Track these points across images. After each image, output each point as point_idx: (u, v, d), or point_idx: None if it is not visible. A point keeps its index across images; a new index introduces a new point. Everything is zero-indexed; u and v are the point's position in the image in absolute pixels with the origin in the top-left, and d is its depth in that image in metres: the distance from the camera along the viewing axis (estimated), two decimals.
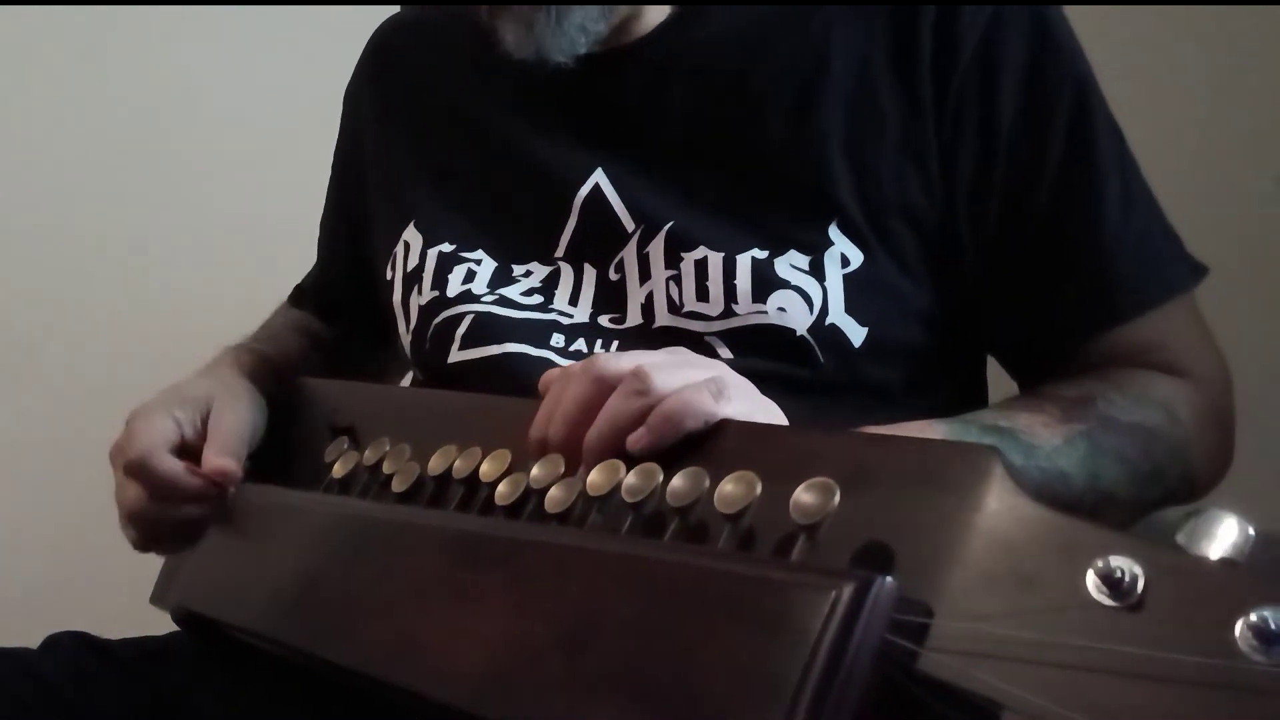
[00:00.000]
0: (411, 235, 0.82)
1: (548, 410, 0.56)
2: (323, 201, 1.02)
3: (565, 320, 0.75)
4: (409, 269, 0.81)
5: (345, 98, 0.96)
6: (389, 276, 0.83)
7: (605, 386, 0.53)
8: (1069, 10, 0.73)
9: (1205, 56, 1.31)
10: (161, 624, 0.76)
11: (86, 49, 1.52)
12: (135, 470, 0.71)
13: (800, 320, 0.69)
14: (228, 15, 1.59)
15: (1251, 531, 0.36)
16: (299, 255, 1.07)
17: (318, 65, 1.25)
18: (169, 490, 0.71)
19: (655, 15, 0.77)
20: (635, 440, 0.51)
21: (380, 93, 0.91)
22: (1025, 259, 0.71)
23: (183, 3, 1.56)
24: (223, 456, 0.71)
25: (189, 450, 0.73)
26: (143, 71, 1.55)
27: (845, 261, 0.70)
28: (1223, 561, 0.35)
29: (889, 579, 0.36)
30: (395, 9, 0.96)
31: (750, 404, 0.53)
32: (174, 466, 0.71)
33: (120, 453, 0.74)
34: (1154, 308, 0.70)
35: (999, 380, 0.81)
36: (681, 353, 0.59)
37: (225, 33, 1.59)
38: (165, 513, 0.71)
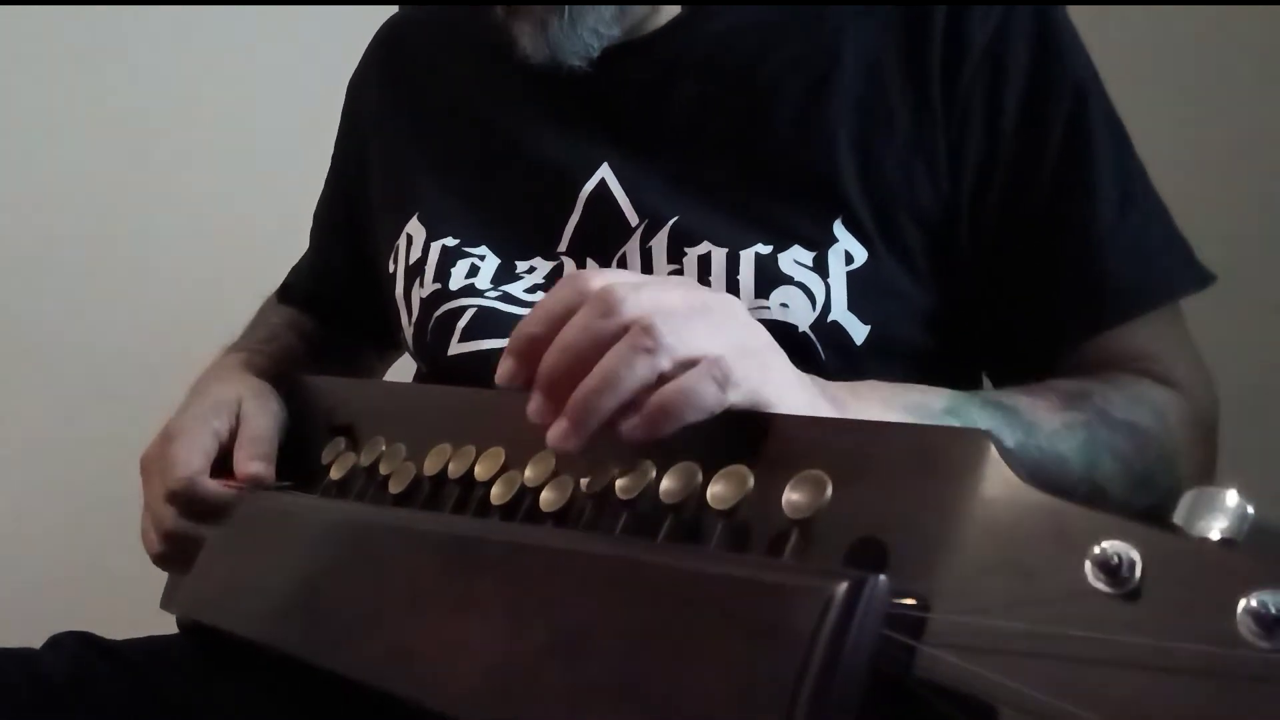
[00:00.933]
0: (414, 228, 0.82)
1: (549, 310, 0.50)
2: None
3: None
4: (411, 262, 0.80)
5: (349, 88, 0.96)
6: (390, 269, 0.83)
7: (615, 328, 0.48)
8: (1070, 10, 0.73)
9: (1205, 57, 1.31)
10: (164, 624, 0.76)
11: (86, 49, 1.52)
12: (179, 498, 0.71)
13: (802, 316, 0.68)
14: (227, 15, 1.58)
15: (1250, 510, 0.35)
16: (298, 256, 1.07)
17: (319, 66, 1.24)
18: (212, 512, 0.71)
19: (667, 13, 0.77)
20: (629, 429, 0.47)
21: (386, 85, 0.90)
22: (1018, 261, 0.71)
23: (182, 2, 1.54)
24: (254, 461, 0.72)
25: (224, 454, 0.74)
26: (144, 71, 1.55)
27: (849, 259, 0.69)
28: (1221, 542, 0.34)
29: (881, 578, 0.35)
30: (396, 8, 0.96)
31: (753, 383, 0.49)
32: (216, 489, 0.71)
33: (157, 469, 0.74)
34: (1142, 314, 0.69)
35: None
36: (700, 293, 0.52)
37: (225, 32, 1.59)
38: (199, 532, 0.71)
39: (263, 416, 0.76)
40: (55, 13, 1.48)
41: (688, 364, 0.47)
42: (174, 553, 0.74)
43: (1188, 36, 1.32)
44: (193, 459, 0.72)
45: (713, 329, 0.49)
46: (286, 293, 1.02)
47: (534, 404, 0.50)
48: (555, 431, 0.48)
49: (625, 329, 0.48)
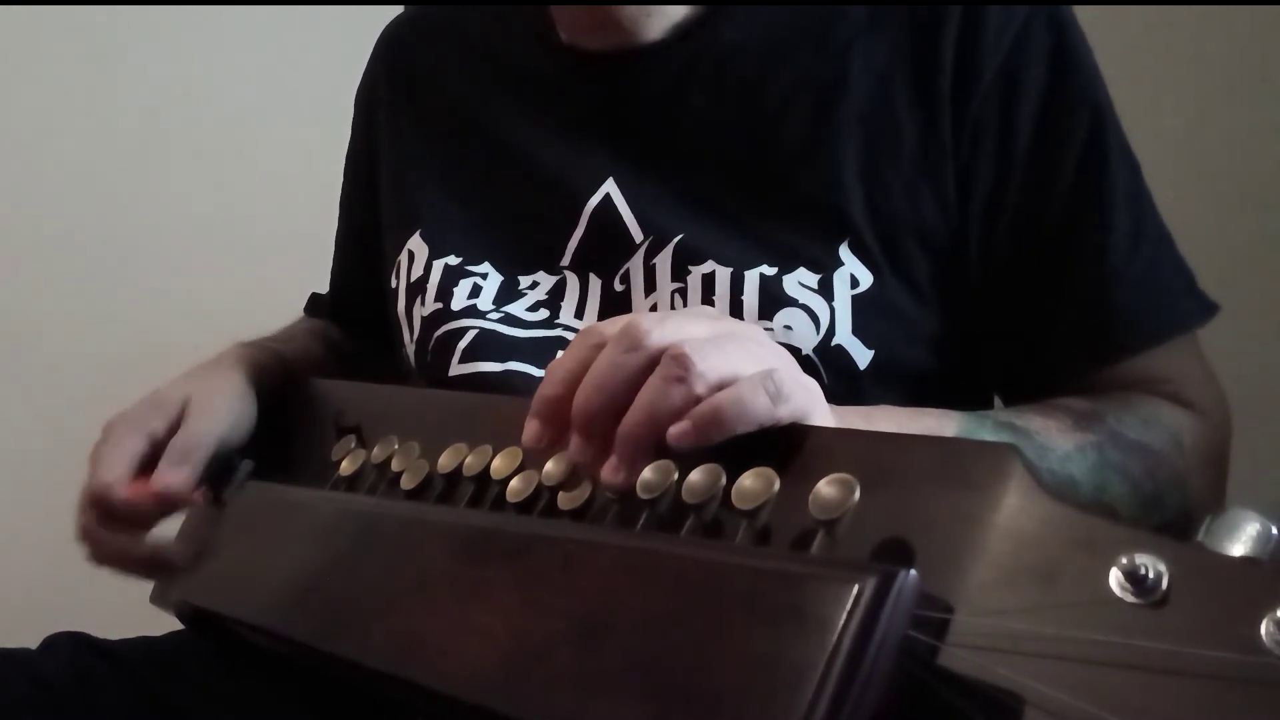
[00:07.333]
0: (416, 244, 0.81)
1: (569, 367, 0.50)
2: (324, 203, 1.02)
3: (570, 336, 0.74)
4: (412, 279, 0.80)
5: (356, 100, 0.96)
6: (393, 284, 0.83)
7: (644, 360, 0.48)
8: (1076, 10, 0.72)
9: (1205, 56, 1.32)
10: (161, 624, 0.75)
11: (87, 49, 1.52)
12: (96, 501, 0.70)
13: (806, 339, 0.68)
14: (230, 15, 1.59)
15: (1275, 531, 0.36)
16: (298, 258, 1.07)
17: (322, 65, 1.25)
18: (126, 520, 0.70)
19: (674, 14, 0.76)
20: (678, 435, 0.45)
21: (391, 92, 0.90)
22: (1028, 288, 0.70)
23: (185, 2, 1.56)
24: (175, 468, 0.70)
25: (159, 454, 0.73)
26: (143, 72, 1.56)
27: (854, 282, 0.69)
28: (1246, 559, 0.35)
29: (912, 572, 0.35)
30: (400, 8, 0.96)
31: (802, 399, 0.49)
32: (124, 502, 0.69)
33: (92, 465, 0.73)
34: (1149, 348, 0.69)
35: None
36: (725, 321, 0.52)
37: (227, 32, 1.60)
38: (114, 539, 0.71)
39: (203, 420, 0.73)
40: (57, 13, 1.49)
41: (722, 388, 0.47)
42: (94, 553, 0.73)
43: (1188, 37, 1.32)
44: (115, 465, 0.70)
45: (744, 353, 0.49)
46: (314, 307, 1.02)
47: (574, 445, 0.50)
48: (608, 469, 0.48)
49: (653, 360, 0.48)
